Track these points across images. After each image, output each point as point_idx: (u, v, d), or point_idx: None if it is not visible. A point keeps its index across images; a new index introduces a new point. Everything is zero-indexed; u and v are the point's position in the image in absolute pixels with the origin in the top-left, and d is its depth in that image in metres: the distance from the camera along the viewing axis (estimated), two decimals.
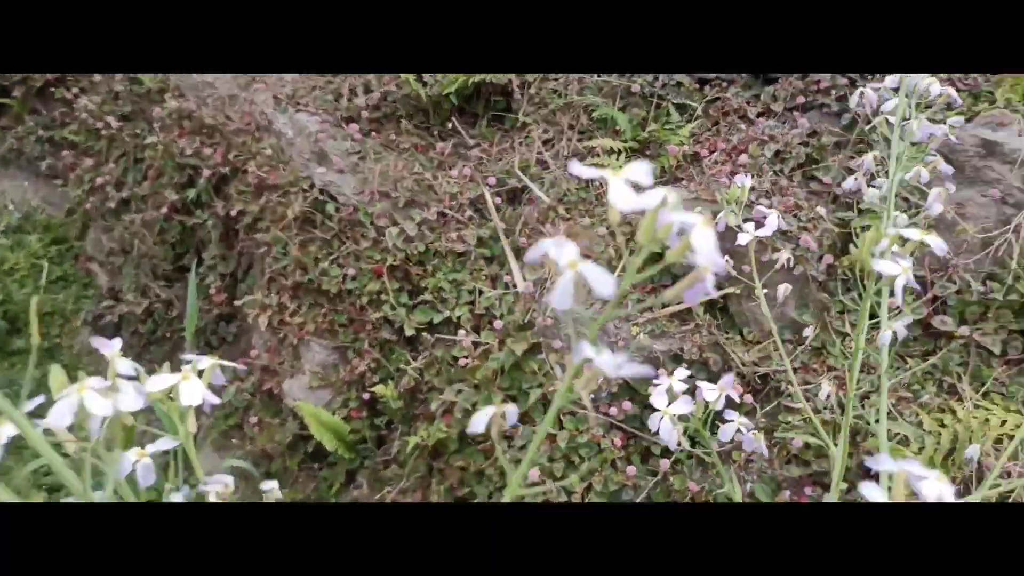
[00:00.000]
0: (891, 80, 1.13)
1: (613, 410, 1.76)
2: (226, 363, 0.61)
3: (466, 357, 1.91)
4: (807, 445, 1.71)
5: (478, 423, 0.50)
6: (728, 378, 0.82)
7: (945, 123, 1.01)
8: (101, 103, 2.73)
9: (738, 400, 0.86)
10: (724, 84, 2.19)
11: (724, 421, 0.87)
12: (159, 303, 2.62)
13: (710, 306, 1.85)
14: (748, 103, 2.12)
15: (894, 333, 0.81)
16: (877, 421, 0.88)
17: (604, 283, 0.43)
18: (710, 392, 0.82)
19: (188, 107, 2.45)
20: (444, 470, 1.98)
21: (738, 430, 0.84)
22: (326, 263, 2.09)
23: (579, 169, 0.47)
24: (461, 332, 1.93)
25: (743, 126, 2.06)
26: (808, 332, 1.26)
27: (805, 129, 2.00)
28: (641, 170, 0.45)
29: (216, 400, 0.56)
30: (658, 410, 0.83)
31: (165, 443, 0.55)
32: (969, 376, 1.85)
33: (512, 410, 0.51)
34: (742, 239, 1.01)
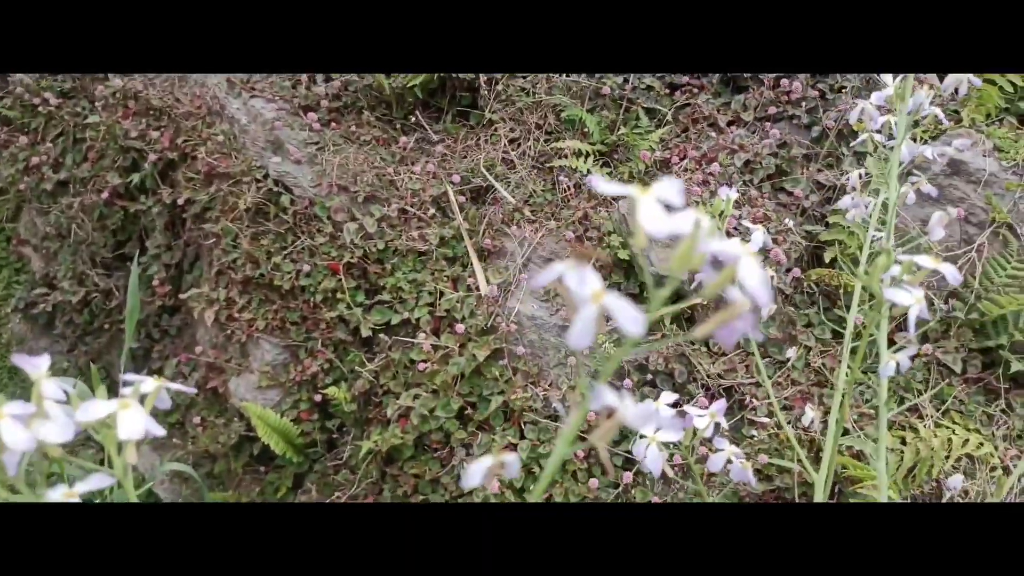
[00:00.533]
0: (877, 97, 1.11)
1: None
2: (174, 386, 0.53)
3: (425, 361, 1.84)
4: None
5: (474, 475, 0.44)
6: (720, 404, 0.77)
7: (926, 142, 0.99)
8: (39, 78, 2.57)
9: (720, 423, 0.81)
10: (694, 90, 2.16)
11: (711, 448, 0.82)
12: (97, 292, 2.48)
13: (677, 316, 1.81)
14: (718, 111, 2.09)
15: (897, 364, 0.77)
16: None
17: (632, 320, 0.37)
18: (700, 419, 0.77)
19: (134, 86, 2.31)
20: (398, 476, 1.90)
21: (728, 460, 0.79)
22: (279, 258, 1.99)
23: (603, 186, 0.41)
24: (420, 335, 1.86)
25: (713, 134, 2.03)
26: (791, 353, 1.22)
27: (776, 140, 1.98)
28: (672, 189, 0.39)
29: (161, 431, 0.48)
30: (643, 436, 0.77)
31: (98, 480, 0.47)
32: (930, 394, 1.85)
33: (512, 459, 0.45)
34: None
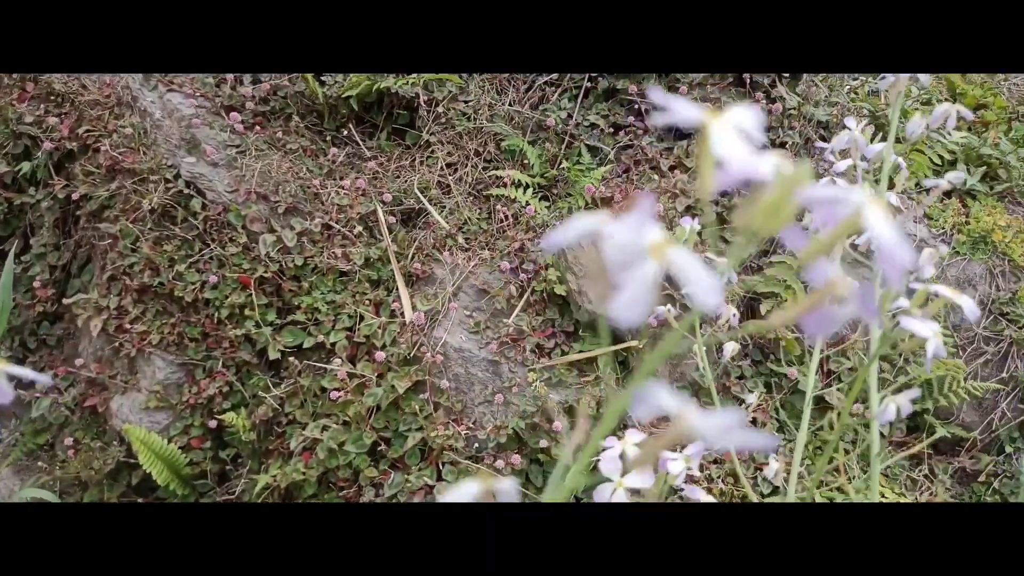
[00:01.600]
0: (840, 141, 1.07)
1: (500, 462, 1.58)
2: (19, 371, 0.39)
3: (338, 390, 1.68)
4: None
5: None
6: (697, 446, 0.66)
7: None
8: None
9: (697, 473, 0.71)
10: (638, 132, 2.12)
11: (680, 497, 0.71)
12: None
13: (613, 357, 1.73)
14: (661, 155, 2.05)
15: (898, 408, 0.69)
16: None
17: (707, 285, 0.26)
18: (674, 463, 0.66)
19: None
20: None
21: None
22: (183, 266, 1.80)
23: (676, 105, 0.30)
24: (335, 361, 1.70)
25: (656, 177, 1.99)
26: (751, 400, 1.14)
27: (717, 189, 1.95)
28: (754, 117, 0.29)
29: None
30: (609, 480, 0.66)
31: None
32: (857, 454, 1.82)
33: (508, 487, 0.33)
34: None
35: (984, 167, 2.14)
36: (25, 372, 0.40)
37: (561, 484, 0.33)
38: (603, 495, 0.68)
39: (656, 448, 0.29)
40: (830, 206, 0.27)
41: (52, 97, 2.07)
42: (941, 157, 2.15)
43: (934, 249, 0.77)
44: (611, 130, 2.14)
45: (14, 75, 2.13)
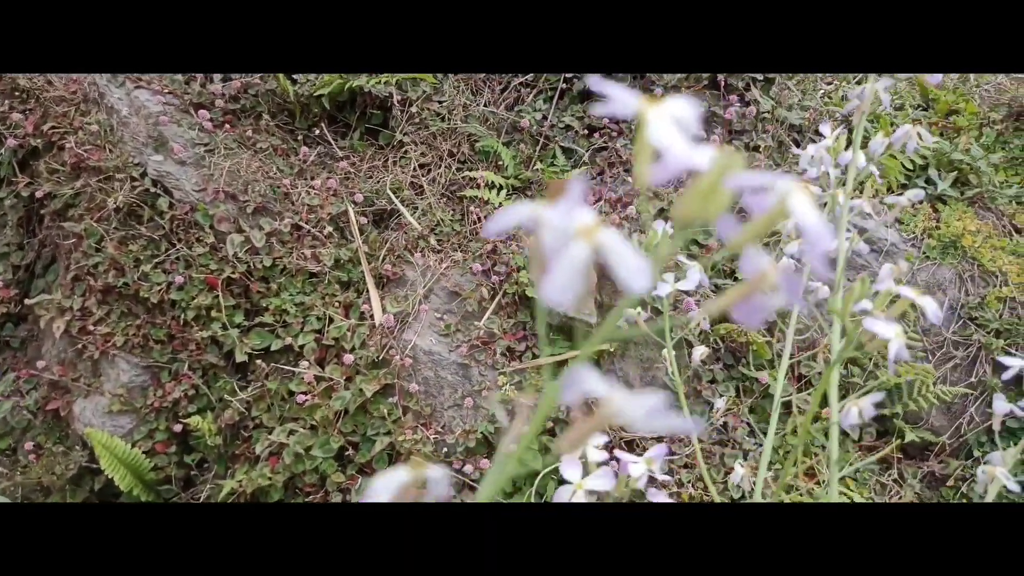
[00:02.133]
0: (812, 150, 1.07)
1: (468, 467, 1.56)
2: None
3: (305, 393, 1.65)
4: None
5: (379, 492, 0.30)
6: (660, 448, 0.65)
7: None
8: None
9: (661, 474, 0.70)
10: (612, 134, 2.12)
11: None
12: None
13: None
14: (632, 156, 2.05)
15: (860, 411, 0.68)
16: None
17: (636, 269, 0.24)
18: (635, 466, 0.65)
19: None
20: None
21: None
22: (148, 266, 1.77)
23: (615, 92, 0.29)
24: (303, 363, 1.67)
25: (629, 179, 1.99)
26: (720, 404, 1.14)
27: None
28: (691, 108, 0.28)
29: None
30: (569, 483, 0.65)
31: None
32: (826, 458, 1.82)
33: (439, 476, 0.31)
34: (661, 290, 0.86)
35: (955, 172, 2.15)
36: None
37: (500, 471, 0.31)
38: (563, 497, 0.67)
39: (585, 431, 0.28)
40: (759, 193, 0.26)
41: (17, 93, 2.03)
42: (913, 162, 2.17)
43: (894, 265, 0.77)
44: (586, 132, 2.13)
45: None
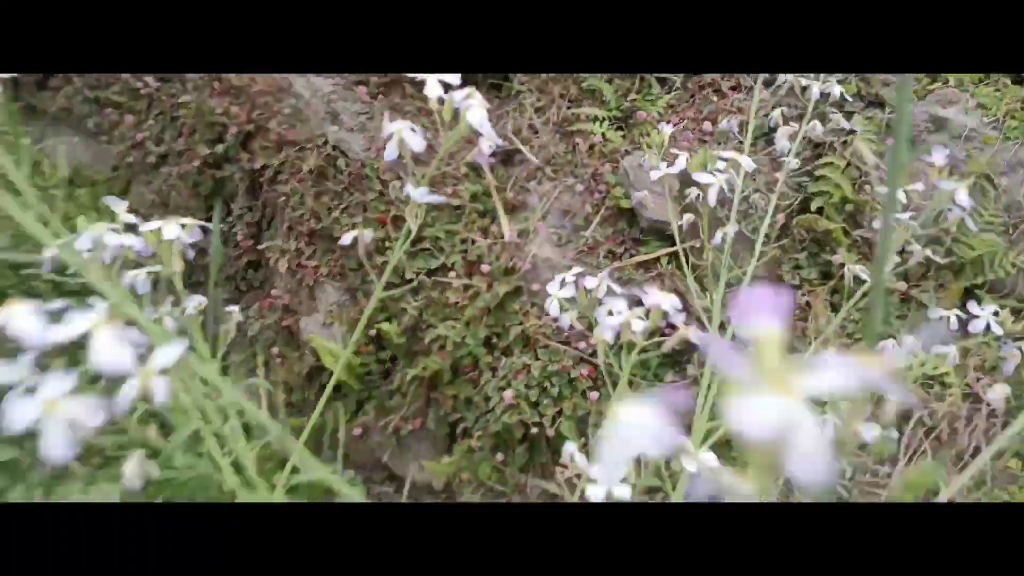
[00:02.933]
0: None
1: (582, 344, 2.01)
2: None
3: (458, 298, 2.16)
4: None
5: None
6: (606, 272, 0.99)
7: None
8: None
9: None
10: None
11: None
12: (193, 251, 2.90)
13: (674, 256, 2.08)
14: (722, 77, 2.32)
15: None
16: None
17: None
18: (592, 281, 0.92)
19: None
20: (439, 399, 2.24)
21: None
22: (337, 212, 2.35)
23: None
24: (453, 275, 2.18)
25: (715, 99, 2.27)
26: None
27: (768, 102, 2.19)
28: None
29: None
30: (550, 295, 1.00)
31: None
32: (907, 328, 2.06)
33: (368, 233, 0.75)
34: (653, 175, 1.12)
35: None
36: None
37: None
38: (551, 306, 1.05)
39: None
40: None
41: (232, 91, 2.67)
42: None
43: (789, 127, 1.08)
44: None
45: (203, 76, 2.75)
